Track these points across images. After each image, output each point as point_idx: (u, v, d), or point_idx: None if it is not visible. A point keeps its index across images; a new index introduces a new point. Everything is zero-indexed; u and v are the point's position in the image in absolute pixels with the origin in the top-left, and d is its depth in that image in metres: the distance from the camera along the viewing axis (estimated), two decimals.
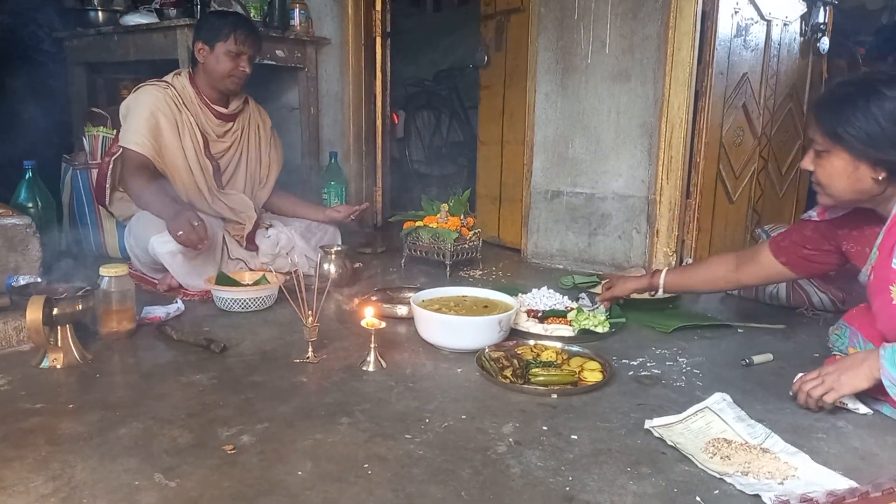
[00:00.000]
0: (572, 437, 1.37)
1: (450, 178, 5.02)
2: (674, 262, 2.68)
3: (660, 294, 2.06)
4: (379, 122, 3.74)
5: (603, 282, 2.24)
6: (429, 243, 2.72)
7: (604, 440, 1.36)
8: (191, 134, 2.43)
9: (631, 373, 1.72)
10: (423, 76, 5.04)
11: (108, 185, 2.46)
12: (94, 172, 2.66)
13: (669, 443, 1.33)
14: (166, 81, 2.46)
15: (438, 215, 2.75)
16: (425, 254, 2.76)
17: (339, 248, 2.49)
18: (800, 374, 1.54)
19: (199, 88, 2.47)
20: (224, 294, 2.13)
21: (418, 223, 2.77)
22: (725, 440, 1.34)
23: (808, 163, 1.55)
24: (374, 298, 2.22)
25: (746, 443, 1.33)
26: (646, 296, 2.33)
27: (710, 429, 1.39)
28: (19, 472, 1.19)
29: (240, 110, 2.59)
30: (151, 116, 2.36)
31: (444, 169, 5.07)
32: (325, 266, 2.42)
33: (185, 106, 2.44)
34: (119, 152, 2.39)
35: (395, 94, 3.95)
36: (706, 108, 2.65)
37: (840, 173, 1.47)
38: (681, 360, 1.82)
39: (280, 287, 2.13)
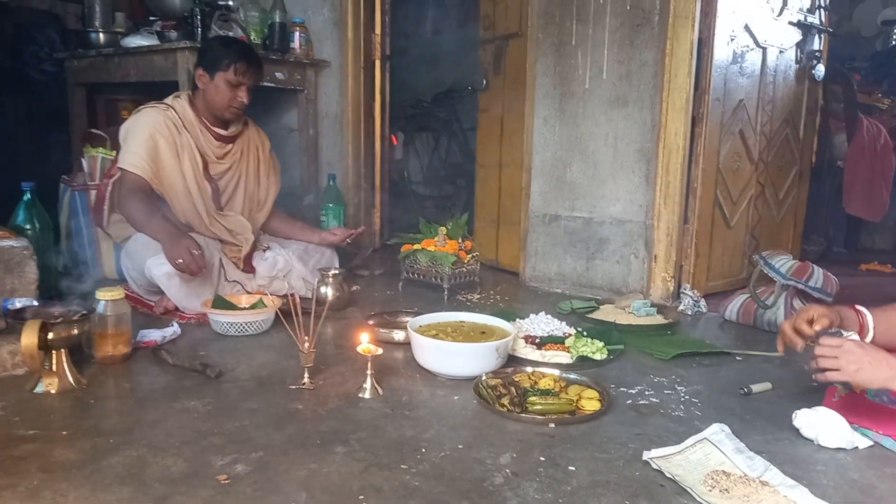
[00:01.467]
0: (570, 468, 1.36)
1: (448, 199, 5.03)
2: (672, 288, 2.68)
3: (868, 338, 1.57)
4: (378, 144, 3.75)
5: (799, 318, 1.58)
6: (426, 266, 2.72)
7: (602, 471, 1.35)
8: (190, 156, 2.44)
9: (629, 401, 1.71)
10: (422, 98, 5.08)
11: (105, 207, 2.46)
12: (93, 193, 2.66)
13: (668, 475, 1.32)
14: (166, 104, 2.47)
15: (436, 238, 2.75)
16: (423, 277, 2.75)
17: (337, 272, 2.49)
18: (824, 331, 1.45)
19: (199, 111, 2.48)
20: (220, 318, 2.12)
21: (416, 246, 2.77)
22: (724, 472, 1.32)
23: None
24: (370, 323, 2.21)
25: (745, 475, 1.32)
26: (644, 321, 2.34)
27: (709, 460, 1.38)
28: (10, 502, 1.17)
29: (239, 132, 2.60)
30: (150, 139, 2.36)
31: (442, 190, 5.08)
32: (323, 289, 2.41)
33: (185, 128, 2.44)
34: (118, 175, 2.39)
35: (393, 116, 3.97)
36: (703, 134, 2.66)
37: None
38: (679, 388, 1.81)
39: (277, 311, 2.12)
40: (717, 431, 1.45)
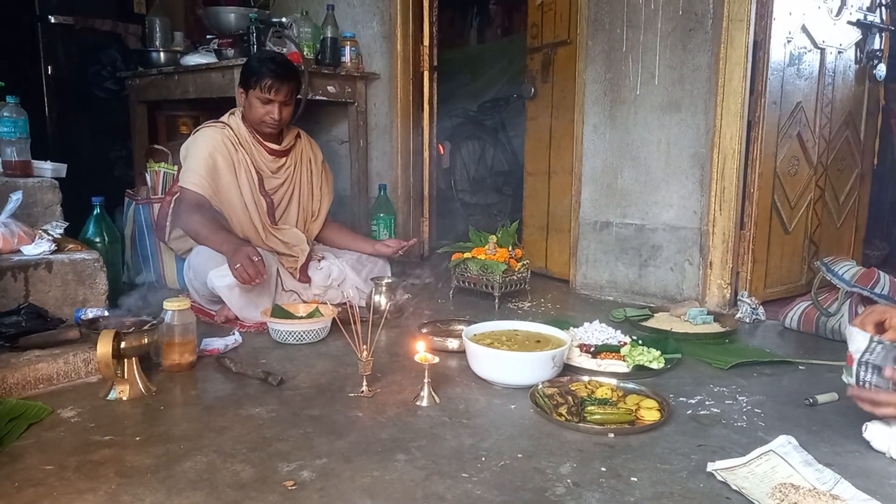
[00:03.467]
0: (632, 479, 1.35)
1: (494, 207, 5.04)
2: (728, 295, 2.63)
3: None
4: (426, 154, 3.79)
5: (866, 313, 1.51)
6: (477, 275, 2.73)
7: (665, 483, 1.33)
8: (247, 172, 2.51)
9: (689, 411, 1.69)
10: (468, 107, 5.11)
11: (168, 224, 2.55)
12: (156, 208, 2.77)
13: (734, 487, 1.30)
14: (223, 122, 2.56)
15: (486, 247, 2.76)
16: (473, 285, 2.77)
17: (390, 281, 2.52)
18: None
19: (250, 127, 2.55)
20: (279, 326, 2.18)
21: (466, 255, 2.79)
22: (793, 486, 1.29)
23: None
24: (424, 331, 2.23)
25: (815, 489, 1.29)
26: (701, 329, 2.30)
27: (776, 473, 1.35)
28: None
29: (292, 145, 2.67)
30: (209, 157, 2.44)
31: (488, 198, 5.09)
32: (377, 298, 2.45)
33: (241, 145, 2.52)
34: (179, 192, 2.48)
35: (440, 126, 4.01)
36: (759, 138, 2.61)
37: None
38: (740, 398, 1.78)
39: (334, 319, 2.17)
40: (784, 443, 1.42)
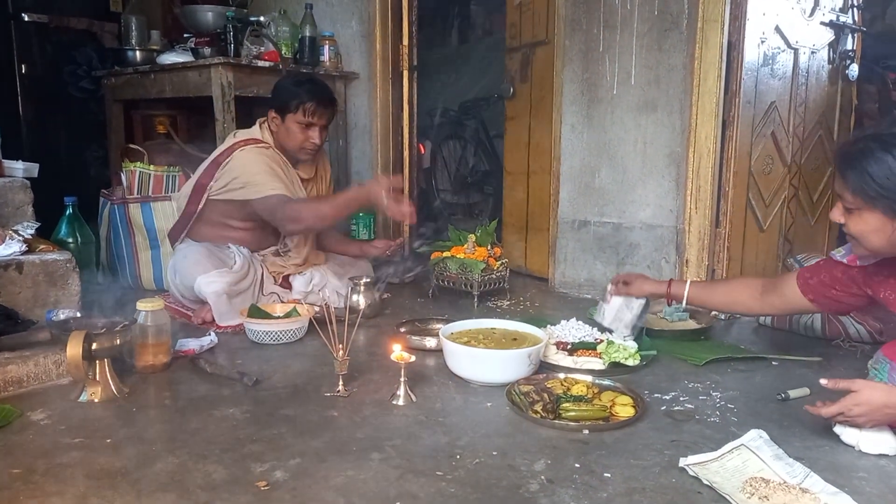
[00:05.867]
0: (605, 475, 1.36)
1: (476, 206, 5.05)
2: None
3: (680, 305, 2.00)
4: (406, 153, 3.78)
5: (613, 279, 2.15)
6: (456, 274, 2.73)
7: (637, 478, 1.34)
8: (295, 186, 2.48)
9: (664, 407, 1.70)
10: (449, 107, 5.11)
11: (185, 231, 2.51)
12: (131, 207, 2.74)
13: (705, 482, 1.31)
14: (262, 141, 2.46)
15: (465, 246, 2.76)
16: (453, 284, 2.77)
17: (368, 280, 2.52)
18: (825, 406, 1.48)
19: (278, 147, 2.49)
20: (256, 326, 2.16)
21: (446, 253, 2.79)
22: (763, 479, 1.31)
23: (837, 216, 1.49)
24: (402, 330, 2.23)
25: (785, 482, 1.30)
26: (677, 326, 2.32)
27: (747, 467, 1.37)
28: None
29: (315, 167, 2.65)
30: (270, 169, 2.38)
31: (470, 198, 5.10)
32: (355, 297, 2.44)
33: (283, 162, 2.48)
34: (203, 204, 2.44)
35: (421, 125, 4.00)
36: (734, 137, 2.64)
37: (875, 230, 1.43)
38: (714, 394, 1.80)
39: (311, 319, 2.16)
40: (755, 438, 1.44)
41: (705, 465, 1.37)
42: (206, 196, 2.43)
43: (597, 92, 2.83)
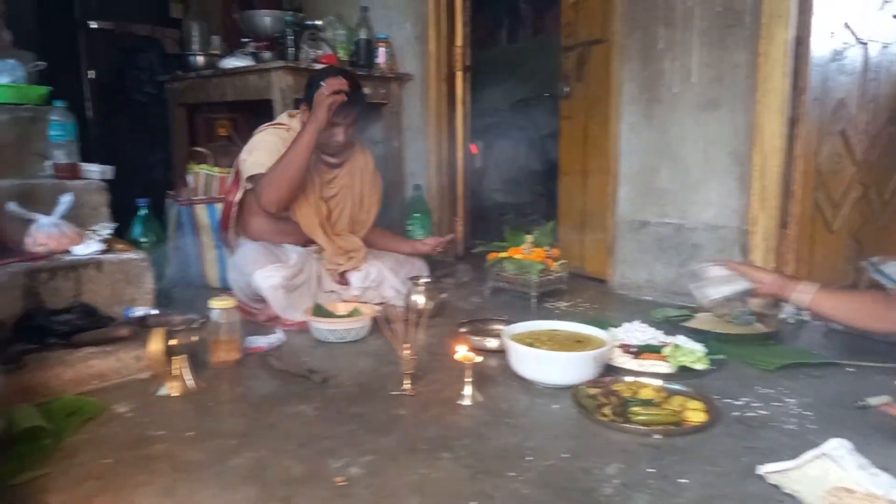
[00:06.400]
0: (681, 480, 1.34)
1: (527, 206, 5.03)
2: None
3: (800, 309, 1.90)
4: (459, 154, 3.80)
5: (716, 264, 2.10)
6: (513, 275, 2.73)
7: (715, 485, 1.32)
8: (309, 176, 2.51)
9: (736, 413, 1.67)
10: (500, 106, 5.10)
11: (231, 233, 2.59)
12: (197, 207, 2.82)
13: (786, 490, 1.28)
14: (286, 124, 2.54)
15: (523, 246, 2.76)
16: (510, 285, 2.77)
17: (428, 280, 2.53)
18: None
19: None
20: (321, 325, 2.21)
21: (503, 254, 2.79)
22: (847, 490, 1.27)
23: None
24: (463, 331, 2.24)
25: (871, 493, 1.26)
26: (744, 330, 2.27)
27: (829, 477, 1.32)
28: (149, 498, 1.27)
29: (347, 157, 2.66)
30: (279, 153, 2.41)
31: (521, 198, 5.09)
32: (414, 297, 2.46)
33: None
34: (238, 195, 2.50)
35: (472, 125, 4.01)
36: (801, 136, 2.56)
37: None
38: (788, 400, 1.75)
39: (373, 318, 2.19)
40: (837, 446, 1.39)
41: (786, 474, 1.34)
42: (241, 183, 2.50)
43: (656, 90, 2.79)
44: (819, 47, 2.56)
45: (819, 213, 2.70)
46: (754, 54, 2.53)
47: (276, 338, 2.16)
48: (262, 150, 2.46)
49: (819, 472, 1.34)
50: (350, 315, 2.29)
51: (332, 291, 2.51)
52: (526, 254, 2.73)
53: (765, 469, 1.35)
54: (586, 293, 2.98)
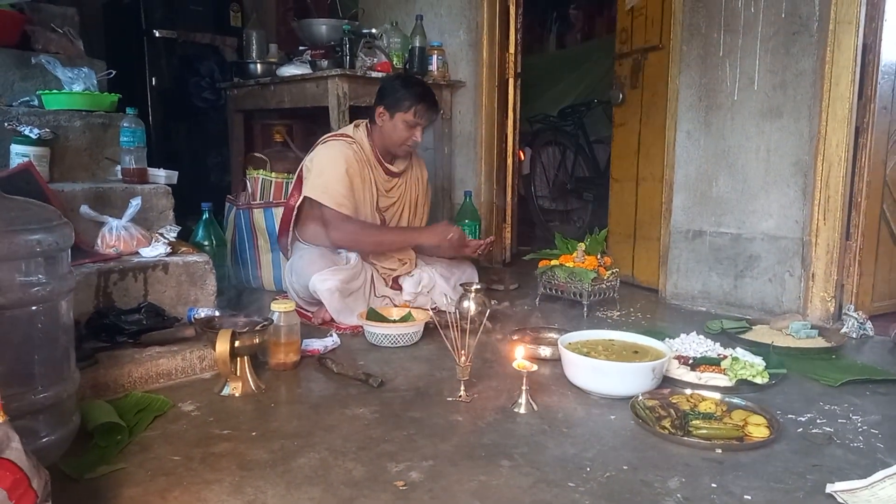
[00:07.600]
0: (745, 496, 1.32)
1: (574, 213, 5.01)
2: (832, 309, 2.51)
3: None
4: (509, 160, 3.81)
5: None
6: (565, 282, 2.72)
7: (781, 502, 1.30)
8: (370, 189, 2.58)
9: (800, 429, 1.63)
10: (548, 112, 5.09)
11: (289, 240, 2.65)
12: (255, 212, 2.90)
13: None
14: (350, 136, 2.59)
15: (574, 254, 2.74)
16: (561, 293, 2.76)
17: (479, 286, 2.54)
18: None
19: (375, 145, 2.60)
20: (375, 329, 2.24)
21: (553, 262, 2.78)
22: None
23: None
24: (515, 338, 2.24)
25: None
26: (805, 344, 2.21)
27: None
28: (219, 495, 1.31)
29: (405, 167, 2.72)
30: (346, 176, 2.48)
31: (568, 204, 5.07)
32: (466, 304, 2.47)
33: (366, 162, 2.58)
34: (299, 200, 2.55)
35: (521, 131, 4.01)
36: (868, 145, 2.49)
37: None
38: (854, 417, 1.70)
39: (427, 324, 2.21)
40: None
41: (855, 493, 1.30)
42: (303, 192, 2.56)
43: (716, 98, 2.75)
44: (889, 54, 2.48)
45: (885, 225, 2.61)
46: (820, 61, 2.47)
47: (331, 341, 2.20)
48: (331, 175, 2.48)
49: (891, 493, 1.31)
50: (403, 320, 2.32)
51: (384, 296, 2.55)
52: (578, 262, 2.71)
53: (833, 488, 1.32)
54: (638, 303, 2.94)
